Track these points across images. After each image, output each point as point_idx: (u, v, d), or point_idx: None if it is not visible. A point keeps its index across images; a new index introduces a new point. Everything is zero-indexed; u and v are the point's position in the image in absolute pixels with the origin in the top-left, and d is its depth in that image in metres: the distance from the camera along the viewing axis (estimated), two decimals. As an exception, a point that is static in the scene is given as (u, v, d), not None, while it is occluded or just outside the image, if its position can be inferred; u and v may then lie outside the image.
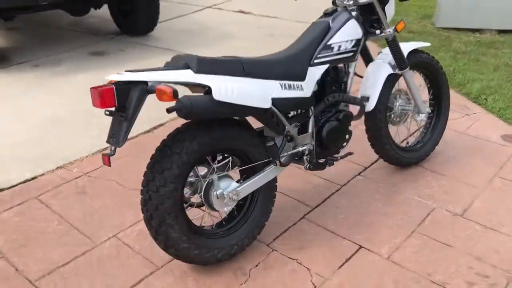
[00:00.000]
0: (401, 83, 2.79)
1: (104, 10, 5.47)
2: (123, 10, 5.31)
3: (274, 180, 2.29)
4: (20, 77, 4.32)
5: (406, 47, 2.73)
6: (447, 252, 2.29)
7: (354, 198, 2.69)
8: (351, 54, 2.40)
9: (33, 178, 2.88)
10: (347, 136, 2.51)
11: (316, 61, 2.29)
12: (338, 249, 2.32)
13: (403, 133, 3.20)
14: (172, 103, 1.82)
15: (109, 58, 4.82)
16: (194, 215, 2.35)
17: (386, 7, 2.55)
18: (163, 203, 1.94)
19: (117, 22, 5.51)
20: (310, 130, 2.33)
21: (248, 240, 2.24)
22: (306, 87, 2.25)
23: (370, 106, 2.61)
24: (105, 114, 1.86)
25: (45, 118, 3.57)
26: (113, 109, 1.85)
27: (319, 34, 2.34)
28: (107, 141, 1.86)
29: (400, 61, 2.64)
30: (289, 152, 2.26)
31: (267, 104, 2.05)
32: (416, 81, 2.82)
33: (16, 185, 2.81)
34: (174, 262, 2.21)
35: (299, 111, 2.30)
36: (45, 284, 2.12)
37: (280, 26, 5.82)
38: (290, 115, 2.28)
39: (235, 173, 2.23)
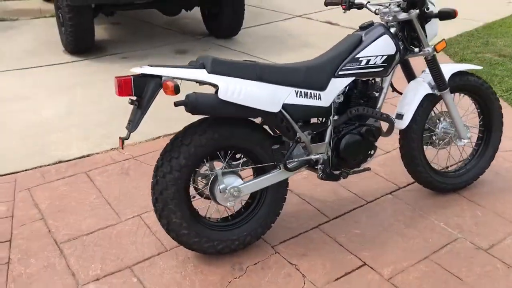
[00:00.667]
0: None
1: (197, 12, 5.84)
2: (212, 13, 5.62)
3: (284, 183, 2.35)
4: (107, 67, 4.79)
5: (450, 68, 2.63)
6: (455, 285, 2.17)
7: (375, 216, 2.64)
8: (381, 69, 2.38)
9: (88, 155, 3.22)
10: (370, 151, 2.49)
11: (341, 72, 2.31)
12: (340, 262, 2.31)
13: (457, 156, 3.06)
14: (177, 98, 1.98)
15: (191, 57, 5.14)
16: (206, 206, 2.48)
17: (428, 26, 2.48)
18: (167, 189, 2.10)
19: (206, 24, 5.84)
20: (327, 139, 2.35)
21: (250, 238, 2.33)
22: (325, 97, 2.28)
23: (403, 124, 2.56)
24: (128, 102, 2.06)
25: (116, 104, 3.94)
26: (134, 98, 2.05)
27: (349, 46, 2.36)
28: (126, 127, 2.07)
29: (439, 81, 2.55)
30: (300, 159, 2.30)
31: (275, 108, 2.12)
32: (465, 104, 2.70)
33: (73, 159, 3.16)
34: (181, 247, 2.36)
35: (316, 119, 2.35)
36: (67, 248, 2.39)
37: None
38: (305, 123, 2.33)
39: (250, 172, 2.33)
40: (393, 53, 2.39)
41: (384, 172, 3.03)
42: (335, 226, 2.56)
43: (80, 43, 4.91)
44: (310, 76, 2.24)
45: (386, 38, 2.38)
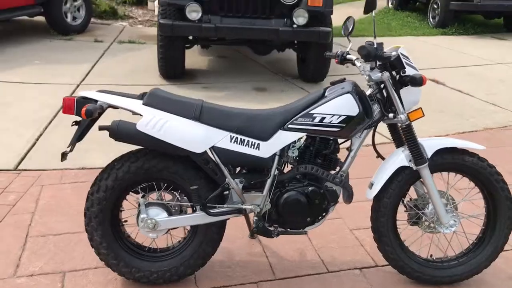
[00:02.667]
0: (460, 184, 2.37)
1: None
2: (301, 56, 5.69)
3: (215, 227, 2.29)
4: (185, 93, 5.16)
5: (437, 143, 2.30)
6: None
7: (325, 288, 2.41)
8: (338, 129, 2.20)
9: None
10: (318, 215, 2.30)
11: (290, 126, 2.20)
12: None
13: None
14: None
15: (268, 94, 5.26)
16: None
17: (405, 91, 2.22)
18: (93, 207, 2.23)
19: (298, 66, 5.92)
20: (264, 192, 2.24)
21: (170, 274, 2.31)
22: (266, 148, 2.19)
23: (370, 194, 2.32)
24: (71, 124, 2.24)
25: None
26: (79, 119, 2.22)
27: (308, 101, 2.24)
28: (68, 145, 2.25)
29: (415, 154, 2.25)
30: (226, 206, 2.23)
31: (198, 149, 2.12)
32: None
33: (94, 168, 3.48)
34: (116, 267, 2.45)
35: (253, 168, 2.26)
36: (31, 242, 2.65)
37: (465, 104, 5.24)
38: (240, 169, 2.26)
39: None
40: (353, 115, 2.19)
41: (370, 244, 2.73)
42: (275, 287, 2.40)
43: (169, 70, 5.39)
44: (251, 124, 2.19)
45: (347, 98, 2.20)
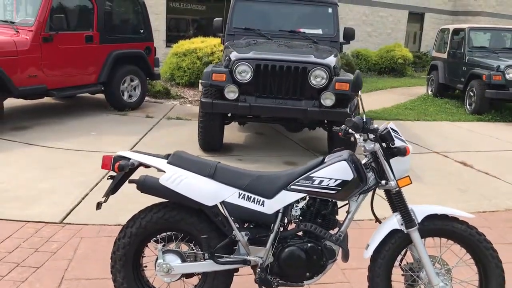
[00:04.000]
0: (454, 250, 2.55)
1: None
2: (331, 134, 6.06)
3: (222, 276, 2.56)
4: (220, 165, 5.60)
5: (428, 209, 2.53)
6: None
7: None
8: (334, 192, 2.49)
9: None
10: (316, 271, 2.52)
11: (293, 187, 2.52)
12: None
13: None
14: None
15: (298, 170, 5.60)
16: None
17: (395, 161, 2.51)
18: (118, 251, 2.57)
19: (328, 143, 6.27)
20: (268, 245, 2.51)
21: (181, 317, 2.57)
22: (270, 205, 2.50)
23: (366, 254, 2.55)
24: (107, 178, 2.66)
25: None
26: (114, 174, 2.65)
27: (310, 166, 2.57)
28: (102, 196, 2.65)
29: (405, 218, 2.49)
30: (233, 256, 2.51)
31: (210, 203, 2.46)
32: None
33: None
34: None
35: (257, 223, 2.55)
36: (64, 284, 3.00)
37: (489, 186, 5.35)
38: (247, 224, 2.56)
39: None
40: (348, 179, 2.48)
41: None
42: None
43: (207, 143, 5.88)
44: (258, 184, 2.52)
45: (342, 164, 2.51)
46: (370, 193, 2.60)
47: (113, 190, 2.59)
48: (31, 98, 7.26)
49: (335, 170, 2.51)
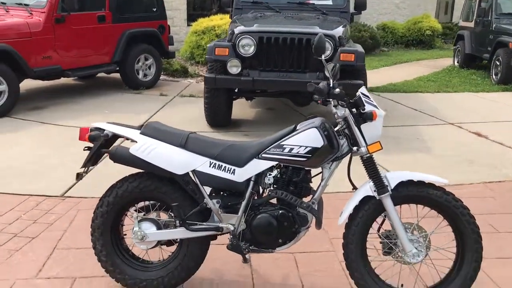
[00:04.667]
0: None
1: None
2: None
3: (198, 244, 2.59)
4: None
5: (400, 175, 2.48)
6: None
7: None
8: (304, 159, 2.47)
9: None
10: (288, 238, 2.52)
11: (264, 155, 2.51)
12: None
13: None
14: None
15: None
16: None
17: (366, 126, 2.45)
18: (97, 219, 2.64)
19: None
20: (239, 213, 2.53)
21: (157, 283, 2.62)
22: (240, 173, 2.51)
23: (339, 221, 2.53)
24: (83, 149, 2.70)
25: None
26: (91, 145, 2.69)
27: (281, 135, 2.55)
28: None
29: (377, 184, 2.45)
30: (204, 223, 2.54)
31: (180, 171, 2.49)
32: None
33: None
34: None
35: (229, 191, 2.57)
36: (55, 255, 3.11)
37: (502, 156, 5.18)
38: (218, 192, 2.57)
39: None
40: (318, 146, 2.45)
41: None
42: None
43: (213, 118, 5.91)
44: (229, 153, 2.53)
45: (313, 131, 2.47)
46: (348, 161, 2.57)
47: (92, 161, 2.64)
48: (47, 79, 7.43)
49: (305, 138, 2.48)
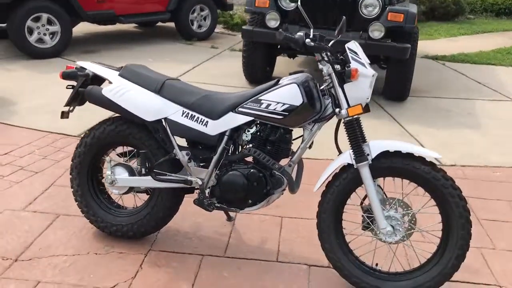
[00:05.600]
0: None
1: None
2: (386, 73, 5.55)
3: (166, 195, 2.51)
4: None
5: (385, 144, 2.20)
6: None
7: (267, 275, 2.45)
8: (280, 117, 2.26)
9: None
10: (258, 199, 2.36)
11: (240, 109, 2.34)
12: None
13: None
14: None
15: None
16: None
17: (350, 86, 2.18)
18: (74, 159, 2.63)
19: (385, 81, 5.77)
20: (210, 167, 2.39)
21: (126, 230, 2.58)
22: (213, 126, 2.36)
23: (315, 187, 2.33)
24: (66, 87, 2.66)
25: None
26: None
27: (261, 89, 2.36)
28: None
29: (355, 151, 2.20)
30: (175, 175, 2.44)
31: (149, 118, 2.38)
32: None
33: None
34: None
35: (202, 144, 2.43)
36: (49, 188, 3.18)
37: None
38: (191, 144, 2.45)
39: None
40: (296, 104, 2.23)
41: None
42: (216, 263, 2.52)
43: (251, 73, 5.73)
44: (204, 103, 2.38)
45: (292, 88, 2.25)
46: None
47: (78, 101, 2.61)
48: (103, 23, 7.57)
49: (283, 94, 2.27)
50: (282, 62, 6.57)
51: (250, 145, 2.37)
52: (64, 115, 2.64)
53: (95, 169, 2.67)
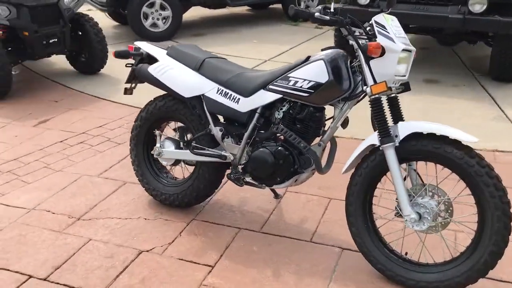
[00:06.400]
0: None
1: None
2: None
3: (206, 168, 2.62)
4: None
5: (415, 126, 2.04)
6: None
7: (295, 255, 2.46)
8: (307, 94, 2.23)
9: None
10: (285, 177, 2.35)
11: (271, 86, 2.35)
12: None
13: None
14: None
15: (435, 88, 4.88)
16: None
17: (377, 63, 2.05)
18: (133, 131, 2.88)
19: (491, 64, 5.20)
20: (241, 144, 2.45)
21: (172, 199, 2.76)
22: (244, 103, 2.41)
23: (342, 169, 2.26)
24: (125, 65, 2.89)
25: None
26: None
27: (291, 66, 2.34)
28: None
29: (381, 131, 2.08)
30: (208, 148, 2.53)
31: (187, 94, 2.50)
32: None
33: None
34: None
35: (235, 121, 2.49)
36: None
37: None
38: (226, 120, 2.52)
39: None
40: (322, 82, 2.17)
41: (376, 234, 2.55)
42: (250, 237, 2.58)
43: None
44: (238, 80, 2.43)
45: (319, 64, 2.20)
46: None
47: (138, 79, 2.83)
48: (213, 7, 7.91)
49: (310, 71, 2.23)
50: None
51: (279, 122, 2.37)
52: (127, 91, 2.88)
53: (150, 142, 2.89)
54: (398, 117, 2.23)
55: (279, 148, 2.34)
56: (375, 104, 2.09)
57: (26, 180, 3.24)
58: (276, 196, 2.86)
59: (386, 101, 2.23)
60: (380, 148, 2.10)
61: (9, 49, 4.87)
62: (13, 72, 4.83)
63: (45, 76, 5.58)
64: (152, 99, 2.78)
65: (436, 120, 3.93)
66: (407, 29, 5.14)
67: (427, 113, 4.26)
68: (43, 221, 2.74)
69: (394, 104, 2.22)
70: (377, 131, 2.11)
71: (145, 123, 2.81)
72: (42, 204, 2.92)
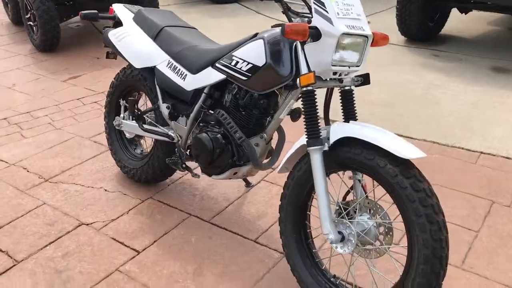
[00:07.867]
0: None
1: None
2: None
3: (160, 146, 2.45)
4: (412, 57, 4.69)
5: (352, 130, 1.66)
6: None
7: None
8: (244, 78, 1.93)
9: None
10: (223, 167, 2.10)
11: (217, 65, 2.09)
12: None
13: None
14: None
15: (503, 78, 4.15)
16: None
17: (313, 48, 1.68)
18: (106, 98, 2.77)
19: None
20: (187, 125, 2.22)
21: (133, 174, 2.65)
22: (190, 81, 2.18)
23: (277, 169, 1.96)
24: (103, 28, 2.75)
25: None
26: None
27: (240, 42, 2.04)
28: None
29: (309, 132, 1.73)
30: (157, 126, 2.33)
31: (138, 65, 2.32)
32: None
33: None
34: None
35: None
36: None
37: None
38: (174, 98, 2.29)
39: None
40: (259, 65, 1.86)
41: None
42: (195, 226, 2.39)
43: (404, 29, 5.02)
44: (188, 54, 2.19)
45: (258, 44, 1.89)
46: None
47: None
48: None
49: (249, 51, 1.94)
50: (456, 18, 5.48)
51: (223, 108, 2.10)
52: (110, 55, 2.76)
53: (120, 111, 2.77)
54: (350, 115, 1.86)
55: (217, 135, 2.08)
56: (306, 98, 1.73)
57: (25, 135, 3.32)
58: (248, 184, 2.63)
59: (339, 94, 1.87)
60: (306, 151, 1.76)
61: (60, 4, 5.02)
62: (75, 26, 4.99)
63: (100, 31, 5.72)
64: (123, 67, 2.65)
65: (488, 119, 3.39)
66: (484, 5, 4.46)
67: (481, 109, 3.57)
68: (14, 178, 2.79)
69: (347, 99, 1.85)
70: (305, 131, 1.76)
71: (116, 91, 2.69)
72: (23, 161, 2.97)
